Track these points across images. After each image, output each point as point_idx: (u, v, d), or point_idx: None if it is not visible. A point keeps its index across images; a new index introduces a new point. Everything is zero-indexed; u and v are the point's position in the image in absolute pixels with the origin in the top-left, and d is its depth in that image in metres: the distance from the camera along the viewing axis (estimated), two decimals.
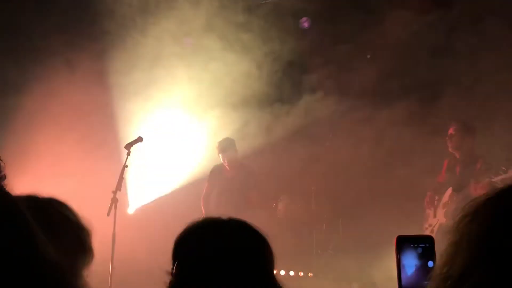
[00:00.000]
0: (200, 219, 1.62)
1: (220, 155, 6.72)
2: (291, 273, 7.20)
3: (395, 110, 7.15)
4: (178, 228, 1.64)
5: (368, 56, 8.06)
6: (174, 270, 1.53)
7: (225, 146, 6.69)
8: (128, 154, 5.81)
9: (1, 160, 1.70)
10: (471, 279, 0.92)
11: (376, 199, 7.06)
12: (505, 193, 0.97)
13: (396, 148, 7.03)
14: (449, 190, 5.82)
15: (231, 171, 6.73)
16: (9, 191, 1.10)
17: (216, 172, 6.83)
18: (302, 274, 7.27)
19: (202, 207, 6.76)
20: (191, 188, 7.45)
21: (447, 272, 0.96)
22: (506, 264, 0.89)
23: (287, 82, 8.04)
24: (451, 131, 5.86)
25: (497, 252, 0.91)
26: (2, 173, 1.62)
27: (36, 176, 6.76)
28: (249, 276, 1.48)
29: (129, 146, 5.88)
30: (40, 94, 7.42)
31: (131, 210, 7.52)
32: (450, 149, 5.92)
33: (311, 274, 7.24)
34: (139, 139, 5.97)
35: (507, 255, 0.89)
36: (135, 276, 6.43)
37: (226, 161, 6.69)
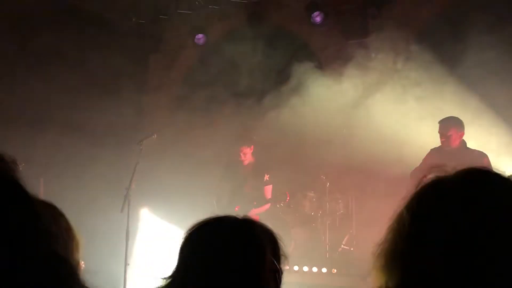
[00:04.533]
0: (204, 219, 1.59)
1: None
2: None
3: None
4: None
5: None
6: (173, 270, 1.53)
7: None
8: (141, 150, 5.81)
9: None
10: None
11: (391, 193, 6.99)
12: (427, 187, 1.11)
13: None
14: None
15: (245, 167, 6.71)
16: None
17: (231, 168, 6.81)
18: (316, 270, 7.25)
19: (215, 203, 6.77)
20: (206, 183, 7.45)
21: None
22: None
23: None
24: (444, 131, 5.88)
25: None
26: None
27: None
28: (244, 277, 1.45)
29: (141, 142, 5.88)
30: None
31: (145, 206, 7.53)
32: (446, 148, 5.92)
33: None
34: (151, 135, 5.97)
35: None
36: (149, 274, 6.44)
37: (242, 157, 6.67)
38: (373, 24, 7.87)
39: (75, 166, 7.64)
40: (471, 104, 6.61)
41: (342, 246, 7.86)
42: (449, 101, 6.74)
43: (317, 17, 8.38)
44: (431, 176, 1.11)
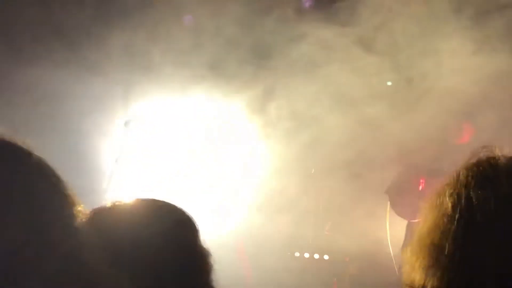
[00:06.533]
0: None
1: None
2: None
3: None
4: None
5: None
6: None
7: None
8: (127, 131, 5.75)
9: None
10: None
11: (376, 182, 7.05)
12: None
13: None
14: None
15: None
16: None
17: None
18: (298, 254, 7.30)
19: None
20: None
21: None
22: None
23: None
24: None
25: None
26: None
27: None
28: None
29: (128, 123, 5.81)
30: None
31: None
32: None
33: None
34: (128, 123, 5.90)
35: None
36: None
37: None
38: None
39: (57, 141, 7.53)
40: None
41: (326, 232, 7.90)
42: None
43: (307, 2, 8.33)
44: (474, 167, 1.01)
